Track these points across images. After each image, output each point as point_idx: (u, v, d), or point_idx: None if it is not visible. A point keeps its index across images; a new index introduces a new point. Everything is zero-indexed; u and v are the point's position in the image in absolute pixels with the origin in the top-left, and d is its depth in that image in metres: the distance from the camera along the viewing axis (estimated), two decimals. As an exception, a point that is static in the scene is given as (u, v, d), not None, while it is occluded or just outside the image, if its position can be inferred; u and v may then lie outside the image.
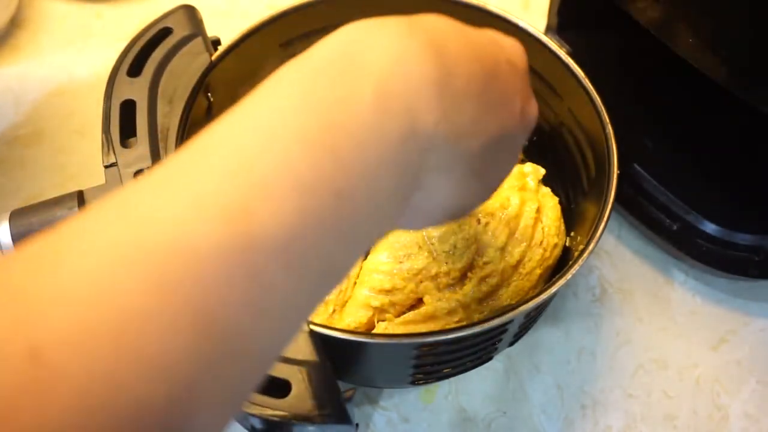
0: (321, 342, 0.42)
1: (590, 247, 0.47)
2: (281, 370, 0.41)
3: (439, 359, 0.48)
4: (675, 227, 0.64)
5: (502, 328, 0.48)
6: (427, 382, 0.55)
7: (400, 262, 0.56)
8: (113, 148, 0.49)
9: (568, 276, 0.46)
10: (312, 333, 0.42)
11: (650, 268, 0.68)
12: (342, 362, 0.48)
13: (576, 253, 0.50)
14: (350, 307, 0.55)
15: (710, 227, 0.63)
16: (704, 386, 0.61)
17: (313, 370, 0.41)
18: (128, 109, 0.51)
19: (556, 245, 0.58)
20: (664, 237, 0.65)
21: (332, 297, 0.56)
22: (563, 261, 0.59)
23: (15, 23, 0.83)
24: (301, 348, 0.42)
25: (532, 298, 0.46)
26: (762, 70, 0.55)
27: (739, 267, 0.62)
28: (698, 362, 0.63)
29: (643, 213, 0.67)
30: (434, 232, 0.57)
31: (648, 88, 0.74)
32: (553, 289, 0.46)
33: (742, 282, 0.65)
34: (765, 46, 0.53)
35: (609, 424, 0.59)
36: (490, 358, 0.55)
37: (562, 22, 0.74)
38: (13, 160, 0.75)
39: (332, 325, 0.54)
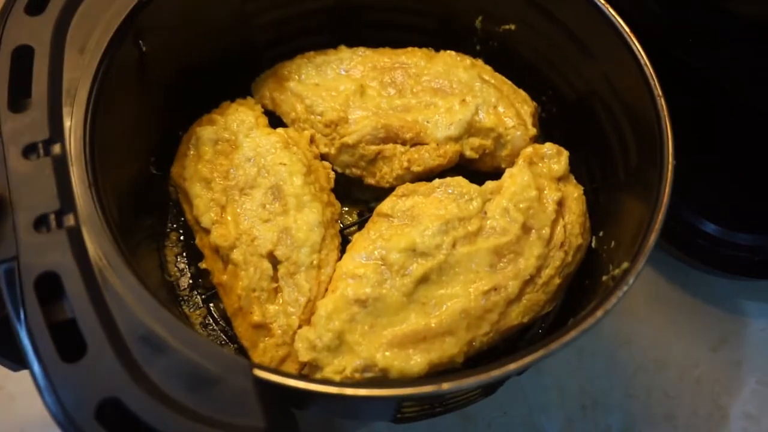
0: (270, 392, 0.31)
1: (637, 265, 0.35)
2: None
3: (423, 407, 0.37)
4: (675, 227, 0.62)
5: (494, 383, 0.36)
6: (412, 421, 0.44)
7: (383, 265, 0.45)
8: (-3, 111, 0.36)
9: (599, 314, 0.34)
10: (258, 382, 0.31)
11: (650, 268, 0.66)
12: (302, 402, 0.37)
13: (612, 268, 0.38)
14: (318, 323, 0.43)
15: (710, 227, 0.62)
16: (704, 386, 0.61)
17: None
18: (23, 58, 0.39)
19: (579, 247, 0.47)
20: (664, 237, 0.61)
21: (296, 309, 0.44)
22: (586, 266, 0.48)
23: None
24: (242, 406, 0.30)
25: (538, 347, 0.34)
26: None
27: (739, 267, 0.61)
28: (698, 362, 0.62)
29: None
30: (430, 225, 0.45)
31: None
32: (568, 338, 0.34)
33: (742, 282, 0.64)
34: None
35: (609, 424, 0.58)
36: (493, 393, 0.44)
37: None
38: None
39: (297, 345, 0.43)
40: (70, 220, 0.34)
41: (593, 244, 0.49)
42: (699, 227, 0.62)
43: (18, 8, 0.40)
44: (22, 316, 0.31)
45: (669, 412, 0.59)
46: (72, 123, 0.37)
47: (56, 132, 0.37)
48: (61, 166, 0.35)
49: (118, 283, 0.32)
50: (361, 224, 0.52)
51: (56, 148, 0.36)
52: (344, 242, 0.49)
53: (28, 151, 0.36)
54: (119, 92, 0.42)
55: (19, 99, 0.37)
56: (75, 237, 0.33)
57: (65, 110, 0.38)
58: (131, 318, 0.32)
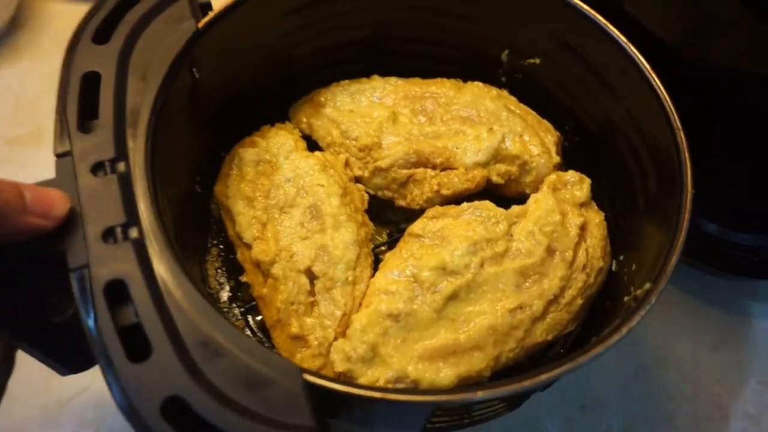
0: (317, 395, 0.33)
1: (659, 286, 0.38)
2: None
3: (452, 417, 0.39)
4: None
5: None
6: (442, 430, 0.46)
7: (414, 282, 0.47)
8: (69, 132, 0.39)
9: (624, 331, 0.37)
10: (307, 385, 0.33)
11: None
12: (339, 408, 0.39)
13: (634, 289, 0.41)
14: (353, 336, 0.45)
15: (710, 227, 0.62)
16: (704, 386, 0.61)
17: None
18: (91, 83, 0.41)
19: (600, 270, 0.49)
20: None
21: (332, 322, 0.46)
22: (607, 288, 0.50)
23: (15, 23, 0.83)
24: (293, 407, 0.32)
25: (567, 360, 0.36)
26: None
27: (739, 267, 0.61)
28: (698, 362, 0.62)
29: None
30: (459, 246, 0.47)
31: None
32: (595, 352, 0.36)
33: (742, 282, 0.65)
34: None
35: (609, 424, 0.58)
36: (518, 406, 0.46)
37: None
38: (13, 160, 0.73)
39: (332, 356, 0.45)
40: (134, 233, 0.36)
41: (614, 268, 0.50)
42: (699, 227, 0.62)
43: (86, 38, 0.43)
44: (92, 319, 0.34)
45: (669, 412, 0.59)
46: (135, 143, 0.40)
47: (121, 151, 0.39)
48: (125, 183, 0.38)
49: (178, 291, 0.35)
50: (390, 244, 0.55)
51: (121, 166, 0.39)
52: (374, 261, 0.51)
53: (96, 168, 0.38)
54: (176, 115, 0.45)
55: (87, 121, 0.40)
56: (139, 248, 0.36)
57: (128, 132, 0.40)
58: (191, 324, 0.34)
